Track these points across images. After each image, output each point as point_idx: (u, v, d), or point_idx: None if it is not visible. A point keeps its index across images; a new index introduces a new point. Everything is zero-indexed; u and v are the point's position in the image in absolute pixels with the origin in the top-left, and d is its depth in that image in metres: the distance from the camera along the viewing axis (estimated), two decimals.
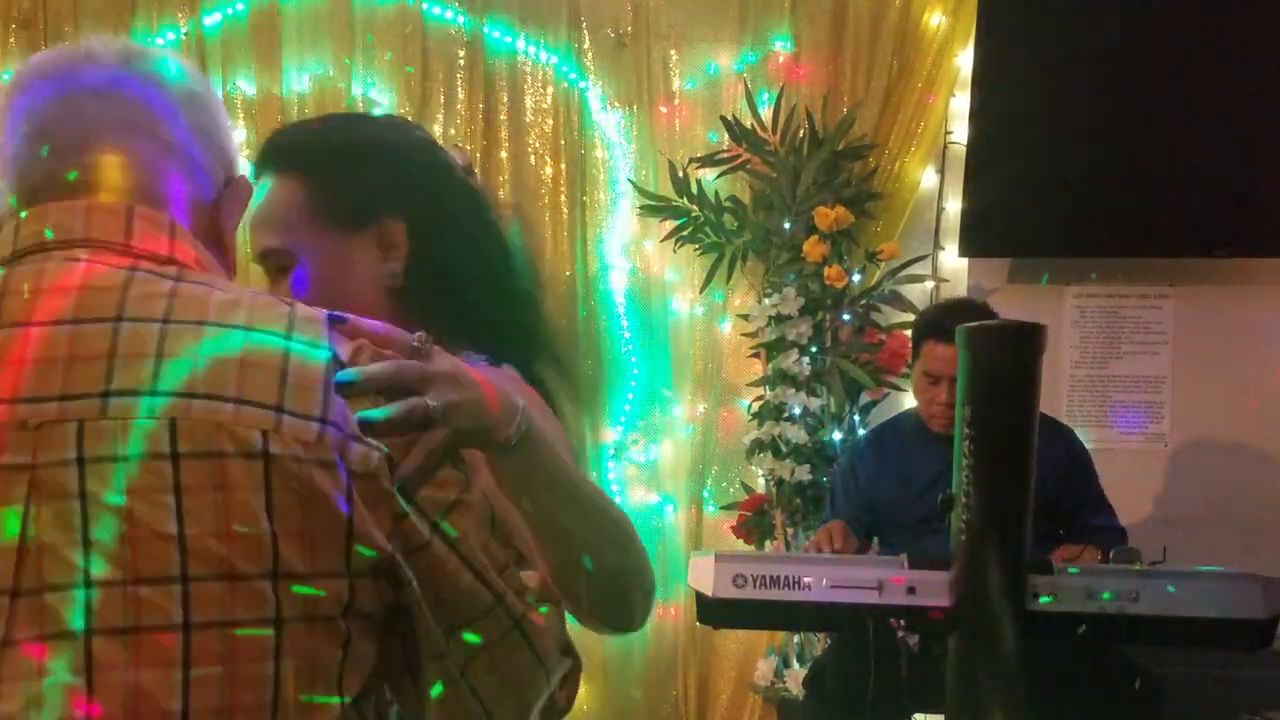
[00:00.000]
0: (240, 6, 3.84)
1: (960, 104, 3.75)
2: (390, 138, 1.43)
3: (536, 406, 1.34)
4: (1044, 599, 2.21)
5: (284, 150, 1.40)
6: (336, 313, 1.03)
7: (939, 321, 2.93)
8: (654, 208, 3.82)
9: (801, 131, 3.72)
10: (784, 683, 3.63)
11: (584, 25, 3.92)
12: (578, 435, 1.54)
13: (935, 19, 3.77)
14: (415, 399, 1.00)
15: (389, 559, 0.97)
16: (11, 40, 3.84)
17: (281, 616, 0.93)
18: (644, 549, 1.25)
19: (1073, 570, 2.29)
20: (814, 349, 3.67)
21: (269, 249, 1.36)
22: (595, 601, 1.19)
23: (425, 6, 3.86)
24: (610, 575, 1.20)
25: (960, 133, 3.72)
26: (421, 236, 1.37)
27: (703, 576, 2.31)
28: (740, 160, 3.78)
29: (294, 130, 1.50)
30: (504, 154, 3.92)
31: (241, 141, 3.87)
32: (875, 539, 3.19)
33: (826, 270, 3.63)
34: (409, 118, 3.83)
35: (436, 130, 3.89)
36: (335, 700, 0.96)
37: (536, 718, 1.13)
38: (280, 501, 0.93)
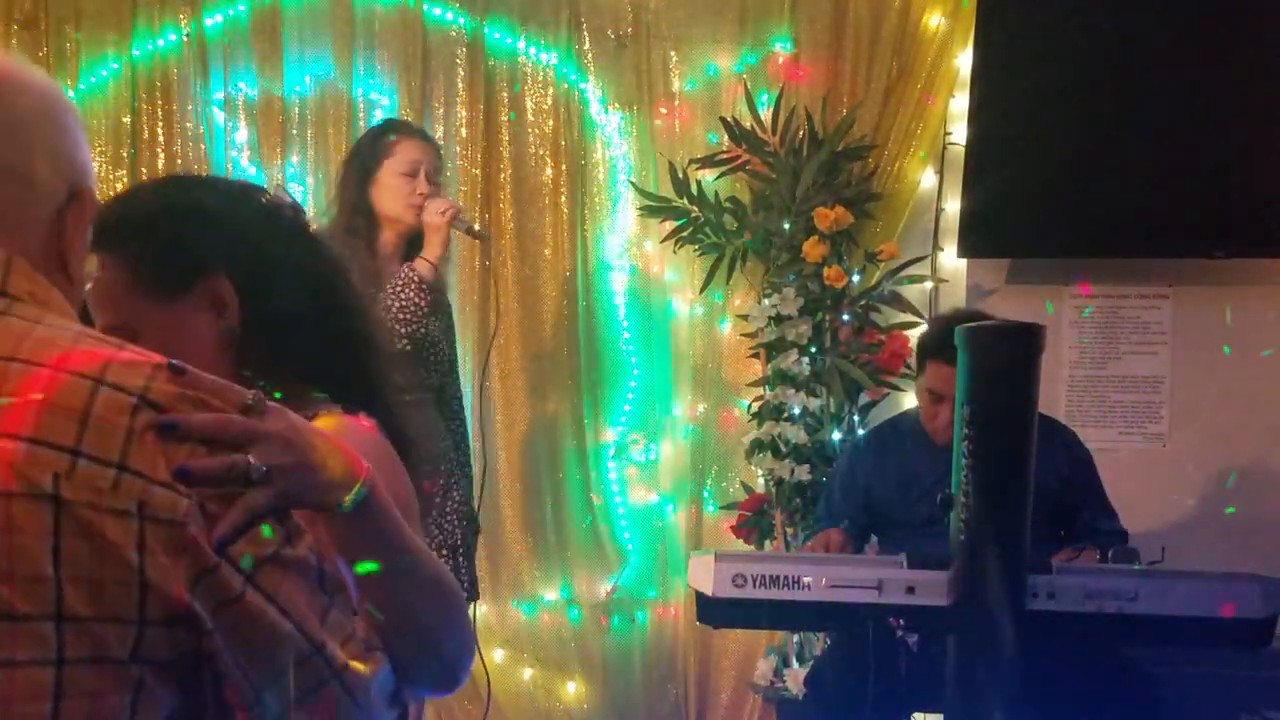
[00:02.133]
0: (241, 7, 3.85)
1: (960, 105, 3.75)
2: (200, 197, 1.44)
3: (385, 457, 1.38)
4: (1043, 599, 2.22)
5: (101, 227, 1.38)
6: (176, 362, 1.02)
7: (943, 341, 2.81)
8: (654, 208, 3.82)
9: (801, 132, 3.72)
10: (784, 683, 3.63)
11: (584, 26, 3.92)
12: (421, 473, 1.56)
13: (935, 20, 3.78)
14: (237, 456, 0.99)
15: (186, 609, 0.96)
16: (13, 41, 3.84)
17: (64, 658, 0.92)
18: (467, 617, 1.27)
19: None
20: (814, 349, 3.68)
21: (106, 326, 1.36)
22: (413, 663, 1.19)
23: (426, 7, 3.87)
24: (431, 642, 1.21)
25: (960, 133, 3.73)
26: (251, 290, 1.39)
27: (702, 576, 2.32)
28: (740, 161, 3.79)
29: (111, 204, 1.47)
30: (504, 154, 3.92)
31: (244, 143, 3.87)
32: (875, 539, 3.19)
33: (826, 271, 3.63)
34: (410, 118, 3.86)
35: (438, 130, 3.90)
36: None
37: None
38: (69, 546, 0.92)
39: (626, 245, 3.98)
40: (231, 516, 0.99)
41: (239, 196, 1.46)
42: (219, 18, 3.85)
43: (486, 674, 3.82)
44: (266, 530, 1.02)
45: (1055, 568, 2.29)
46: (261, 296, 1.39)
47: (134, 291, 1.37)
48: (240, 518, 0.99)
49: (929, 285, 3.84)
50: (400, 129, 3.13)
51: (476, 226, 3.32)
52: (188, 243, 1.38)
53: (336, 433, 1.30)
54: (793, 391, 3.66)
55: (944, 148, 3.84)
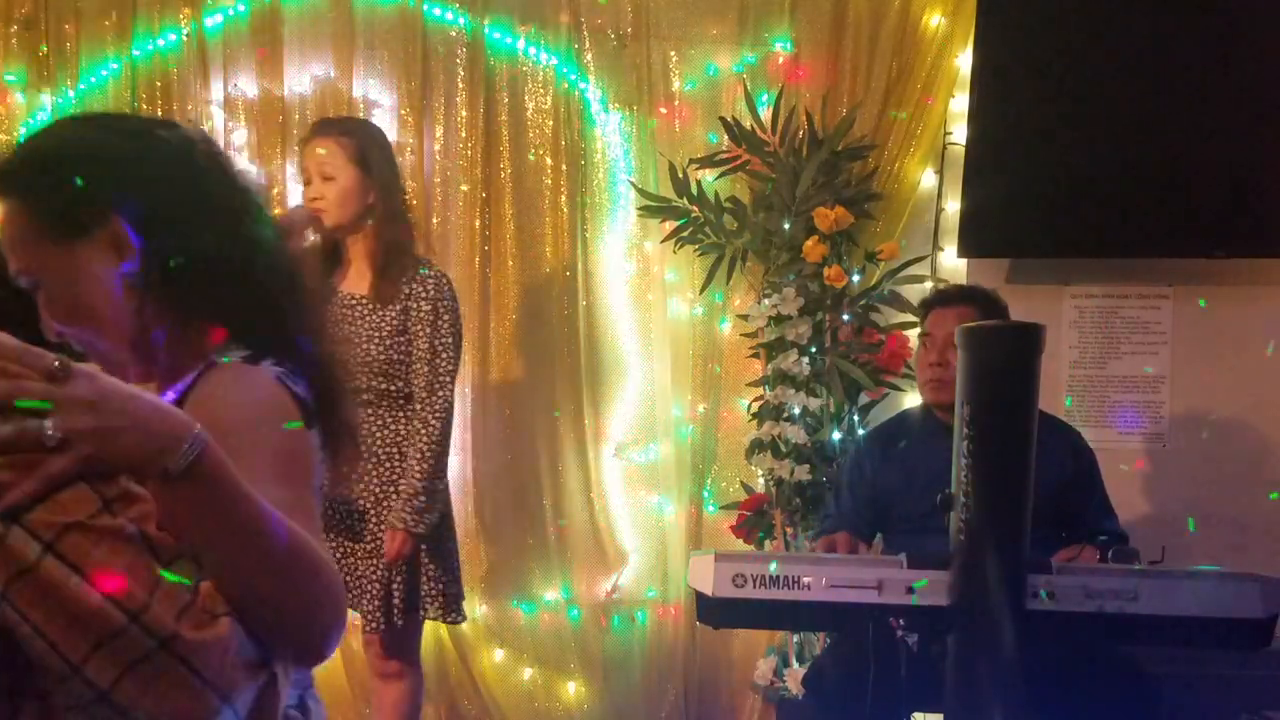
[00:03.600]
0: (241, 7, 3.85)
1: (959, 105, 3.75)
2: (102, 138, 1.39)
3: (270, 408, 1.32)
4: (1043, 598, 2.21)
5: (4, 171, 1.38)
6: None
7: (945, 291, 3.19)
8: (654, 208, 3.82)
9: (801, 132, 3.72)
10: (784, 682, 3.63)
11: (584, 26, 3.92)
12: (353, 430, 1.50)
13: (934, 20, 3.78)
14: (31, 421, 0.98)
15: None
16: (13, 41, 3.85)
17: None
18: (328, 582, 1.20)
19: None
20: (813, 349, 3.68)
21: (15, 271, 1.36)
22: (266, 634, 1.15)
23: (426, 7, 3.87)
24: (280, 614, 1.16)
25: (959, 133, 3.73)
26: (153, 232, 1.35)
27: (703, 576, 2.32)
28: (740, 161, 3.79)
29: (16, 147, 1.44)
30: (504, 154, 3.92)
31: (243, 143, 3.87)
32: (879, 535, 3.19)
33: (826, 271, 3.64)
34: (410, 120, 3.86)
35: (437, 130, 3.90)
36: None
37: None
38: None
39: (626, 245, 3.98)
40: (24, 484, 0.98)
41: (143, 135, 1.40)
42: (219, 18, 3.85)
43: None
44: (89, 491, 1.01)
45: (1055, 568, 2.29)
46: (164, 239, 1.35)
47: (35, 236, 1.35)
48: (34, 486, 0.98)
49: (929, 285, 3.84)
50: (310, 132, 3.08)
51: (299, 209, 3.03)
52: (84, 185, 1.33)
53: (222, 382, 1.29)
54: (793, 391, 3.66)
55: (944, 147, 3.84)
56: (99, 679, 1.01)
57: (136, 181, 1.36)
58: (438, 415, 2.92)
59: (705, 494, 3.94)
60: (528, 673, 3.96)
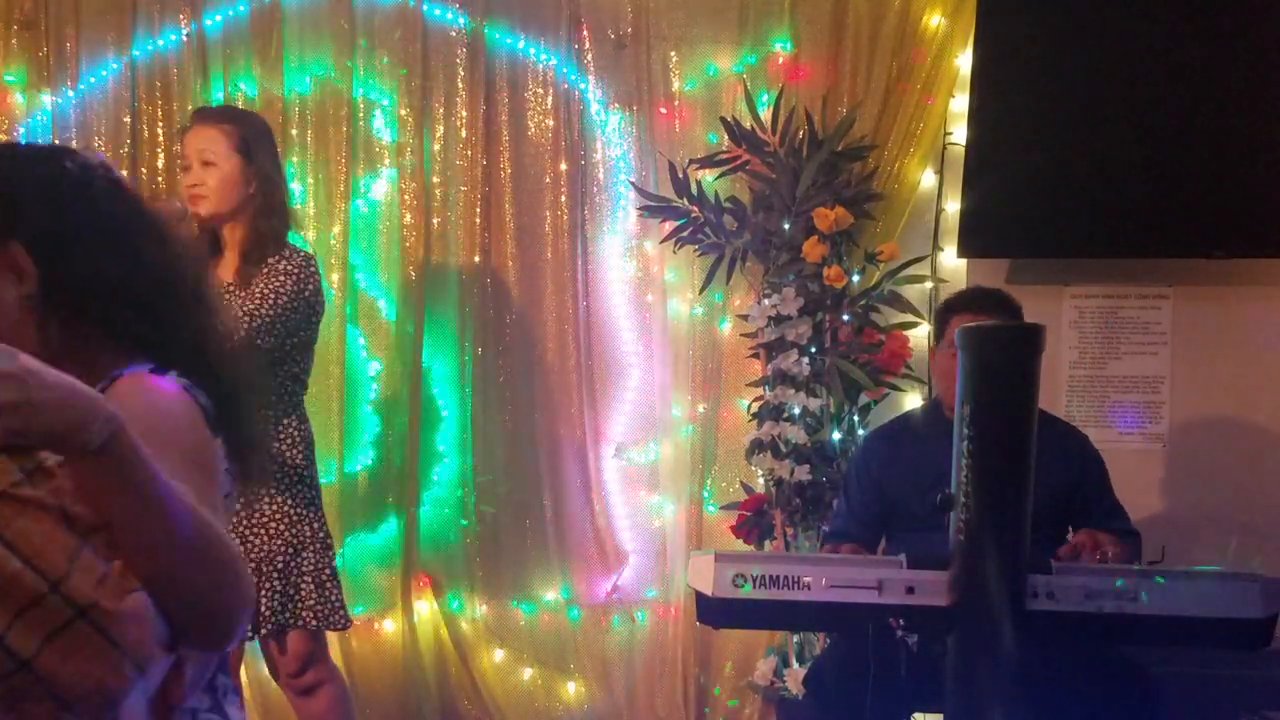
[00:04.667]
0: (241, 7, 3.85)
1: (960, 105, 3.75)
2: (1, 166, 1.44)
3: (174, 415, 1.37)
4: (1043, 599, 2.21)
5: None
6: None
7: (970, 298, 3.07)
8: (654, 208, 3.82)
9: (801, 132, 3.72)
10: (784, 682, 3.63)
11: (584, 26, 3.92)
12: (260, 442, 1.55)
13: (935, 20, 3.78)
14: None
15: None
16: (13, 41, 3.85)
17: None
18: (235, 568, 1.26)
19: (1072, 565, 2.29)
20: (813, 349, 3.68)
21: None
22: (173, 614, 1.20)
23: (426, 7, 3.87)
24: (185, 596, 1.21)
25: (959, 134, 3.73)
26: (50, 256, 1.40)
27: (703, 576, 2.31)
28: (740, 161, 3.79)
29: None
30: (504, 154, 3.92)
31: None
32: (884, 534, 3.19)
33: (826, 271, 3.64)
34: (410, 120, 3.86)
35: (438, 130, 3.90)
36: None
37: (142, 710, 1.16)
38: None
39: (626, 245, 3.98)
40: None
41: (37, 162, 1.46)
42: (219, 18, 3.85)
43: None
44: (9, 461, 1.06)
45: (1055, 568, 2.29)
46: (61, 263, 1.40)
47: None
48: None
49: (929, 285, 3.84)
50: (191, 119, 3.01)
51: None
52: None
53: (128, 392, 1.34)
54: (793, 391, 3.66)
55: (944, 147, 3.84)
56: (21, 648, 1.05)
57: (32, 209, 1.41)
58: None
59: (705, 494, 3.94)
60: (528, 673, 3.96)
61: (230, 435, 1.45)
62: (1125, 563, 2.61)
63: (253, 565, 2.82)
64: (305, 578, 2.88)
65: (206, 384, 1.44)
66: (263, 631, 2.86)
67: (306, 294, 2.88)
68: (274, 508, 2.85)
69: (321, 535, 2.93)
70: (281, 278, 2.84)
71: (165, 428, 1.32)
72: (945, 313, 3.10)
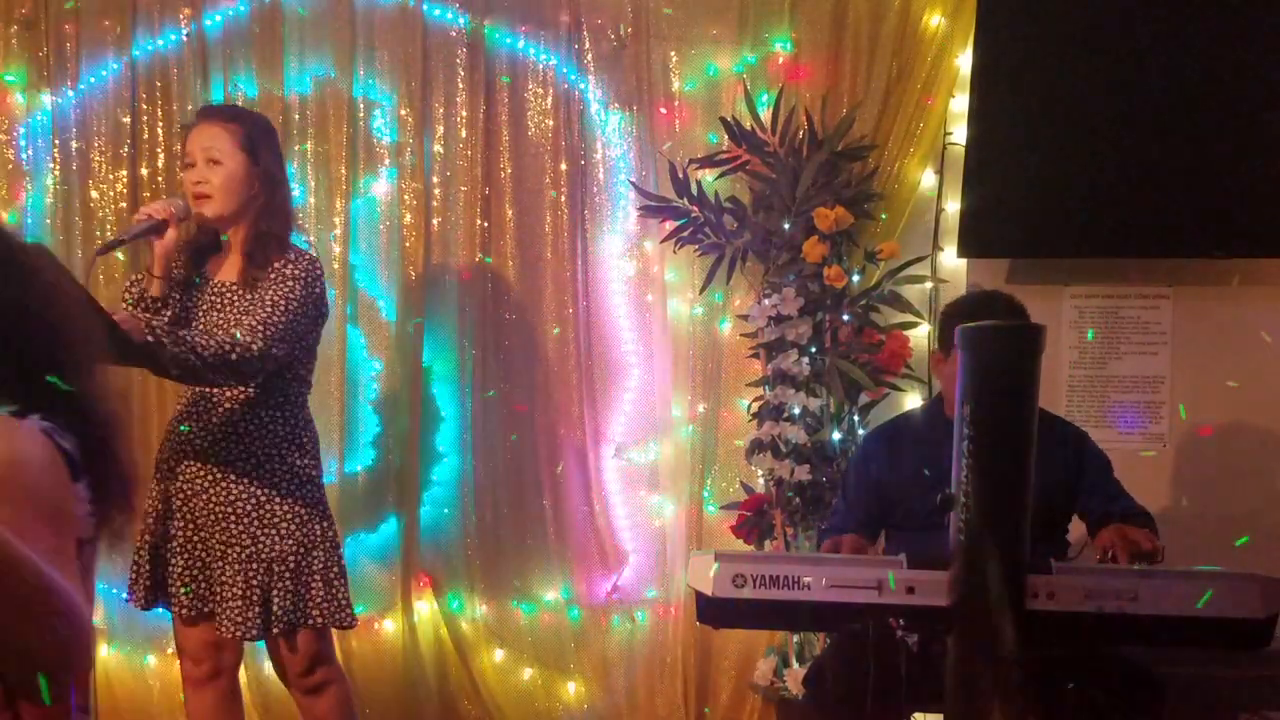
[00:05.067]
0: (241, 7, 3.85)
1: (960, 105, 3.75)
2: None
3: (29, 461, 1.38)
4: (1043, 599, 2.21)
5: None
6: None
7: (981, 309, 2.93)
8: (654, 208, 3.82)
9: (801, 132, 3.72)
10: (784, 683, 3.64)
11: (584, 26, 3.92)
12: (133, 479, 1.57)
13: (935, 20, 3.78)
14: None
15: None
16: (13, 41, 3.85)
17: None
18: (76, 626, 1.31)
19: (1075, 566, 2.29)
20: (813, 349, 3.68)
21: None
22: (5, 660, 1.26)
23: (426, 7, 3.87)
24: (21, 642, 1.26)
25: (959, 133, 3.73)
26: None
27: (703, 576, 2.31)
28: (740, 161, 3.79)
29: None
30: (504, 154, 3.92)
31: None
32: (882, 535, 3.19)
33: (826, 271, 3.64)
34: (410, 120, 3.86)
35: (438, 130, 3.90)
36: None
37: None
38: None
39: (626, 245, 3.98)
40: None
41: None
42: (219, 18, 3.85)
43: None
44: None
45: (1055, 568, 2.29)
46: None
47: None
48: None
49: (929, 285, 3.84)
50: (196, 116, 2.99)
51: (139, 225, 2.81)
52: None
53: None
54: (793, 391, 3.66)
55: (944, 147, 3.84)
56: None
57: None
58: (247, 347, 2.69)
59: (705, 494, 3.94)
60: (528, 673, 3.96)
61: (95, 477, 1.47)
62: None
63: (265, 565, 2.84)
64: (315, 577, 2.89)
65: (74, 426, 1.45)
66: (274, 631, 2.87)
67: (315, 297, 2.89)
68: (284, 509, 2.87)
69: (330, 535, 2.95)
70: (290, 283, 2.83)
71: (19, 477, 1.34)
72: (950, 319, 3.06)
